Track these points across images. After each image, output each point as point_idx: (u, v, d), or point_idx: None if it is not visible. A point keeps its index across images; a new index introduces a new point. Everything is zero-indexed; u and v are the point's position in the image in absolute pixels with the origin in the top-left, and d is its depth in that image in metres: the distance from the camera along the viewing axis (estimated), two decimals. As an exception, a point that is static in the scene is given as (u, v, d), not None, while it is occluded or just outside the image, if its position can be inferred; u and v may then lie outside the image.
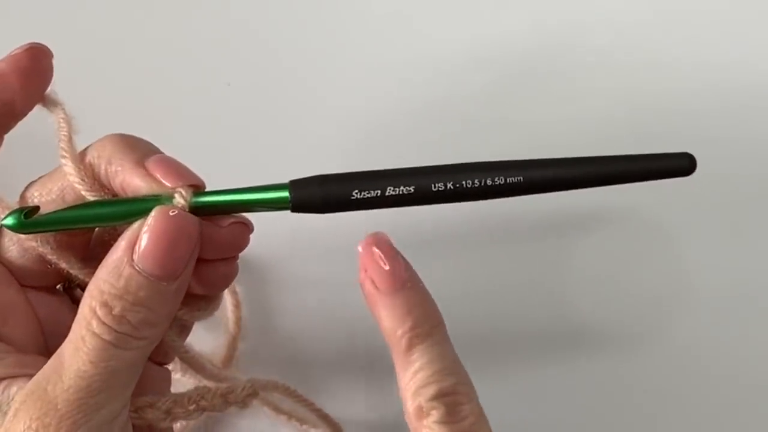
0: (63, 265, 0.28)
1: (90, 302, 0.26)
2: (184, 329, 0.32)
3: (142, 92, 0.43)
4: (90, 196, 0.28)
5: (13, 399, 0.26)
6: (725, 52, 0.45)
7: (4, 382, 0.26)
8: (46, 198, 0.28)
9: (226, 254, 0.29)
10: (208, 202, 0.28)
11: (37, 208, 0.27)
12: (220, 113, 0.43)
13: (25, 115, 0.30)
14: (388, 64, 0.44)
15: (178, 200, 0.27)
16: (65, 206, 0.27)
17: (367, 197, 0.28)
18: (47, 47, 0.30)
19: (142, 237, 0.26)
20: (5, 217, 0.27)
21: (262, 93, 0.43)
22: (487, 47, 0.45)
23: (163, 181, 0.27)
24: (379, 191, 0.28)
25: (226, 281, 0.30)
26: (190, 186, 0.27)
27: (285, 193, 0.28)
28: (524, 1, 0.46)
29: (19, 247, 0.29)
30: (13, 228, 0.27)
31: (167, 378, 0.32)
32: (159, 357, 0.31)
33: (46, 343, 0.30)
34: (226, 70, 0.43)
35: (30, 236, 0.28)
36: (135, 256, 0.26)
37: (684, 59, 0.45)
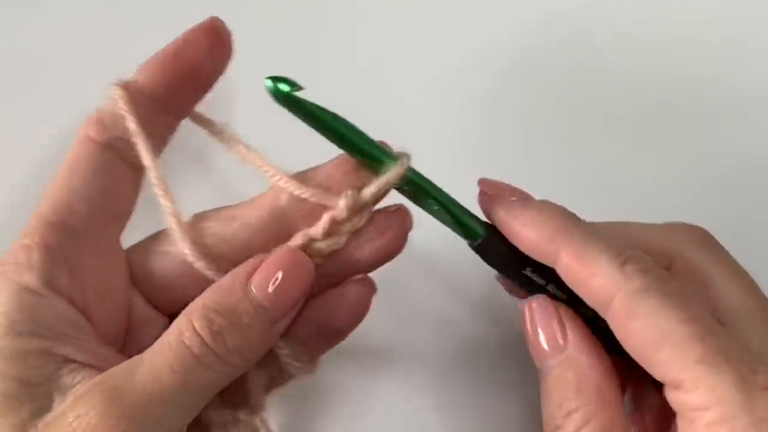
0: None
1: (188, 316, 0.26)
2: (273, 381, 0.32)
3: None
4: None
5: (76, 385, 0.26)
6: (725, 52, 0.45)
7: (76, 366, 0.26)
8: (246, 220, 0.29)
9: (346, 324, 0.30)
10: (419, 181, 0.29)
11: (300, 87, 0.27)
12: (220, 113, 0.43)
13: (209, 89, 0.30)
14: (388, 65, 0.45)
15: (397, 169, 0.28)
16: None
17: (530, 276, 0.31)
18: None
19: (262, 268, 0.26)
20: (278, 81, 0.27)
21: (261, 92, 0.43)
22: (487, 47, 0.46)
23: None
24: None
25: (332, 343, 0.31)
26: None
27: (480, 231, 0.30)
28: (524, 2, 0.46)
29: (172, 263, 0.29)
30: (279, 93, 0.27)
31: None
32: (234, 399, 0.31)
33: (124, 346, 0.29)
34: (226, 69, 0.43)
35: (192, 253, 0.28)
36: (250, 284, 0.26)
37: (684, 59, 0.45)
